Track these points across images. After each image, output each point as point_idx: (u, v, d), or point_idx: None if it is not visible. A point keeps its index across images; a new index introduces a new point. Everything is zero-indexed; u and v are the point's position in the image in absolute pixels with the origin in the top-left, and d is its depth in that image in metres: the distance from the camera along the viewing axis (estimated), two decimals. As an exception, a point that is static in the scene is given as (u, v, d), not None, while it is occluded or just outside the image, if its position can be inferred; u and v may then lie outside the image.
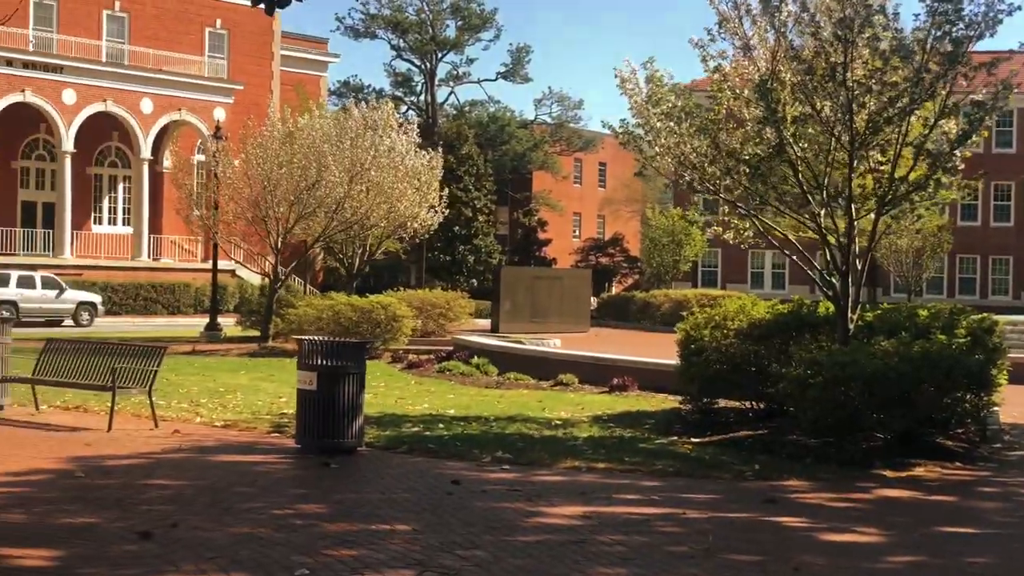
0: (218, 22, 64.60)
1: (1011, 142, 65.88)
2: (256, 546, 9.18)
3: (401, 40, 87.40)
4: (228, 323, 42.59)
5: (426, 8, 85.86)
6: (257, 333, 35.48)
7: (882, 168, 17.93)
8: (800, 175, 18.04)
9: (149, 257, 58.93)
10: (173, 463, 13.29)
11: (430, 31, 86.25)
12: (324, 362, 13.93)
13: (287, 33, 69.65)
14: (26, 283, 47.84)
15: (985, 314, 17.11)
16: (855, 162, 17.44)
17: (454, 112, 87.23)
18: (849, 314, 17.69)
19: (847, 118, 17.03)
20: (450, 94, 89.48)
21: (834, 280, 18.20)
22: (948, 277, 66.51)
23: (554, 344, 31.37)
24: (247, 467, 13.14)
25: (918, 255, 55.71)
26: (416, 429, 16.29)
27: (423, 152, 38.31)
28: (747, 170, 18.65)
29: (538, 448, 14.72)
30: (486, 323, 43.38)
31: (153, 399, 16.62)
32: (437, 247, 69.83)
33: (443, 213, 39.18)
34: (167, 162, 55.11)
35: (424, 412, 18.41)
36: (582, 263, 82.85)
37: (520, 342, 30.53)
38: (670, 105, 19.26)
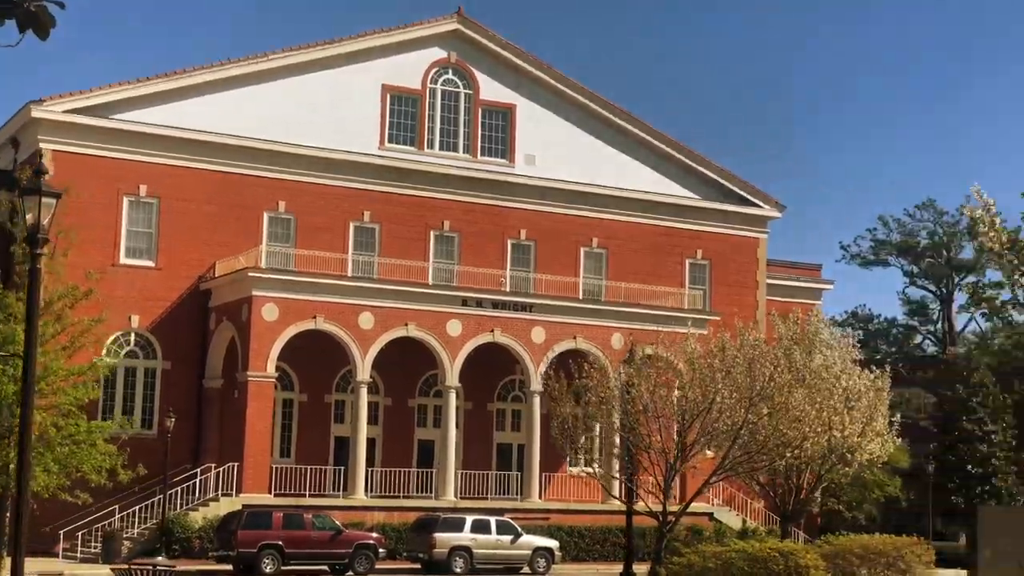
0: (699, 252, 62.60)
1: None
2: None
3: (914, 266, 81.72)
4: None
5: (939, 231, 79.86)
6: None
7: None
8: None
9: (621, 499, 56.05)
10: None
11: (944, 254, 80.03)
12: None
13: (775, 261, 66.31)
14: (481, 528, 46.35)
15: None
16: None
17: (976, 340, 79.52)
18: None
19: None
20: (970, 320, 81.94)
21: None
22: None
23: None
24: None
25: None
26: None
27: (865, 371, 33.23)
28: None
29: None
30: (957, 573, 36.48)
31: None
32: (948, 488, 62.33)
33: (893, 443, 33.53)
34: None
35: None
36: None
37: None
38: None
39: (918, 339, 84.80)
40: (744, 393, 29.59)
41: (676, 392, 30.74)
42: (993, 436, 64.54)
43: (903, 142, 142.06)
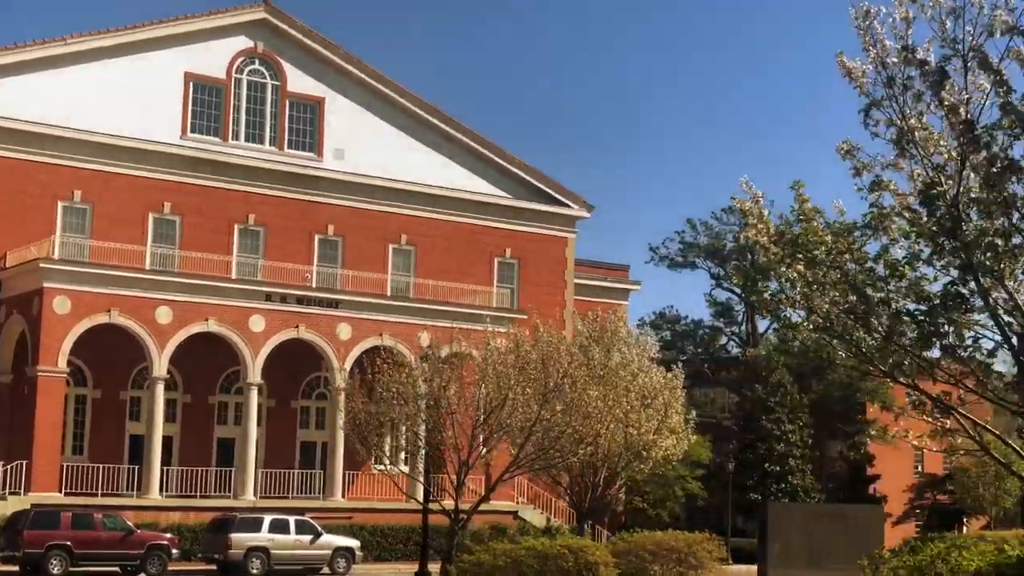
0: (508, 251, 62.62)
1: None
2: None
3: (721, 268, 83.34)
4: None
5: (744, 235, 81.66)
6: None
7: None
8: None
9: (415, 497, 55.68)
10: None
11: (749, 256, 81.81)
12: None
13: (583, 261, 66.78)
14: (279, 528, 45.37)
15: None
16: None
17: (775, 341, 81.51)
18: None
19: None
20: (772, 323, 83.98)
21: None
22: None
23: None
24: None
25: None
26: None
27: (660, 369, 33.49)
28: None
29: None
30: (749, 569, 37.10)
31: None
32: (747, 485, 63.68)
33: (688, 440, 33.87)
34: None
35: None
36: (916, 502, 74.01)
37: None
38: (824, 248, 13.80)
39: (723, 340, 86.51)
40: (539, 389, 29.53)
41: (472, 389, 30.47)
42: (790, 435, 66.12)
43: (714, 145, 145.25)
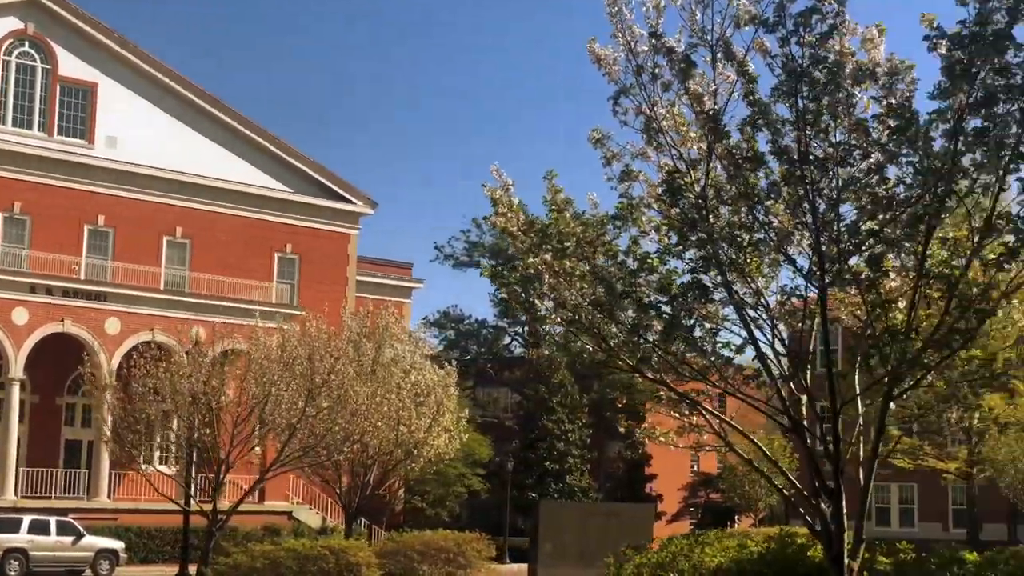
0: (289, 247, 61.35)
1: None
2: None
3: (505, 268, 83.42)
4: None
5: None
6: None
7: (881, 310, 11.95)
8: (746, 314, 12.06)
9: (198, 499, 54.07)
10: None
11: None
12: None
13: (366, 258, 66.07)
14: (39, 528, 43.47)
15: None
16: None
17: (558, 341, 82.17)
18: (847, 561, 11.43)
19: (811, 221, 11.24)
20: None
21: (821, 505, 11.99)
22: None
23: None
24: None
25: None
26: None
27: (434, 367, 33.04)
28: (666, 317, 12.74)
29: None
30: (523, 568, 36.99)
31: None
32: (526, 484, 63.88)
33: (460, 438, 33.51)
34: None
35: None
36: (691, 500, 75.68)
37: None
38: (575, 239, 13.48)
39: (507, 340, 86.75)
40: (305, 385, 28.76)
41: (240, 385, 29.52)
42: (570, 435, 66.62)
43: (497, 143, 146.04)
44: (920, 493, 60.93)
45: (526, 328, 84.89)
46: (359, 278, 64.08)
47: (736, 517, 75.98)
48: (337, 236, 63.38)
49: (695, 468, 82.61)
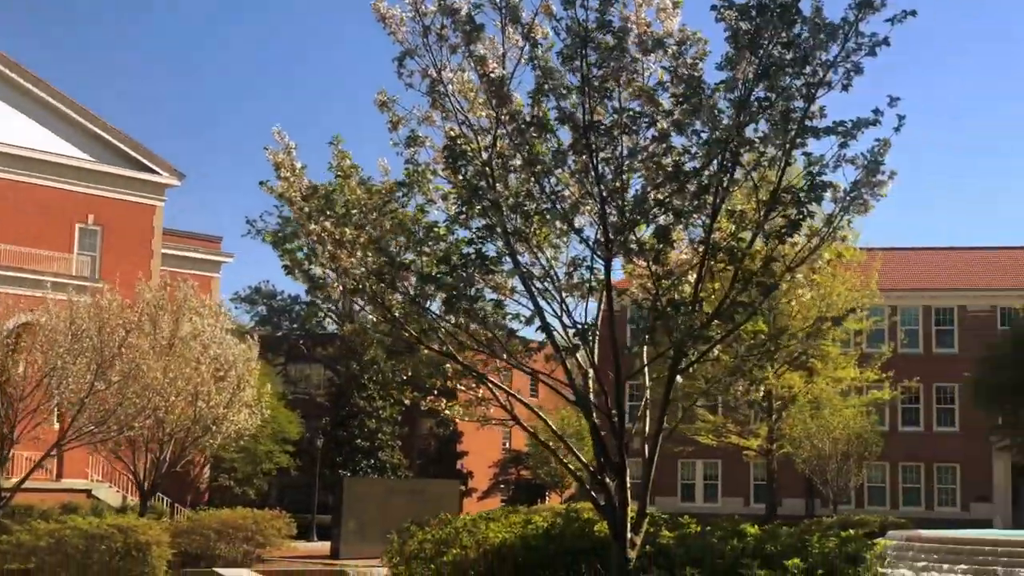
0: (91, 218, 59.26)
1: (952, 342, 60.57)
2: None
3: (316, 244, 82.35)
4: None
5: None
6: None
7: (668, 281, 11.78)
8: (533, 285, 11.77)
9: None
10: None
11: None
12: None
13: (174, 231, 64.38)
14: None
15: (861, 528, 10.64)
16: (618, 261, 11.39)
17: (372, 318, 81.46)
18: (629, 535, 11.21)
19: (597, 191, 10.97)
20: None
21: (607, 480, 11.74)
22: (891, 487, 60.52)
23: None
24: None
25: (844, 460, 49.12)
26: None
27: (235, 340, 32.20)
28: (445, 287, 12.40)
29: None
30: (324, 546, 36.47)
31: None
32: (337, 462, 63.17)
33: (262, 414, 32.75)
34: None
35: None
36: (501, 477, 76.02)
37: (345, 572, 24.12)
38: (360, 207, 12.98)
39: (320, 316, 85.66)
40: (95, 359, 27.71)
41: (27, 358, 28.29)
42: (381, 411, 66.14)
43: (313, 115, 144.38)
44: (723, 469, 62.50)
45: (340, 304, 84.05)
46: (166, 251, 62.32)
47: (546, 494, 76.60)
48: (142, 208, 61.45)
49: (507, 445, 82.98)
